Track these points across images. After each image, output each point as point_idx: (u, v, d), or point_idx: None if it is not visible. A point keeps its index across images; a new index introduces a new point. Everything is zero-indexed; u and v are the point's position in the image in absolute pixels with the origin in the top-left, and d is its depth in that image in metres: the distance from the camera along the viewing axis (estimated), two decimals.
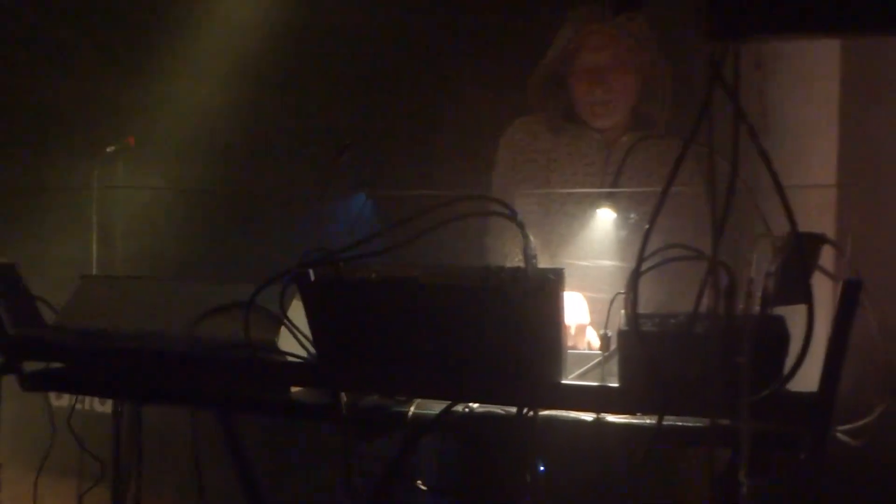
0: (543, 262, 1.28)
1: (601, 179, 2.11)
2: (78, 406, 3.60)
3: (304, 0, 3.36)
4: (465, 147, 2.26)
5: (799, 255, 1.03)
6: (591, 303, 1.84)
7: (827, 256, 1.32)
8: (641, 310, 1.24)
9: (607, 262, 1.92)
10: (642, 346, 1.16)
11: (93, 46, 3.82)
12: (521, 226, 1.23)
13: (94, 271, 2.90)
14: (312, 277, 1.32)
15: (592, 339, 1.82)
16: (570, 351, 1.43)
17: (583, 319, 1.82)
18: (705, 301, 1.12)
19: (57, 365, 1.75)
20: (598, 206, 2.01)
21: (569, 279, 1.27)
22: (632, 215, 1.97)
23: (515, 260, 1.97)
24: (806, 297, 1.00)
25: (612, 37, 2.04)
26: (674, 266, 1.23)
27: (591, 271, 1.93)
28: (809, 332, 1.00)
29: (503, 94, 2.19)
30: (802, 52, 1.78)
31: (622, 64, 2.05)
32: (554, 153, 2.15)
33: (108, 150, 3.00)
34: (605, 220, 1.99)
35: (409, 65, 3.29)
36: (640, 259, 1.07)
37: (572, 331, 1.79)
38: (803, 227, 1.21)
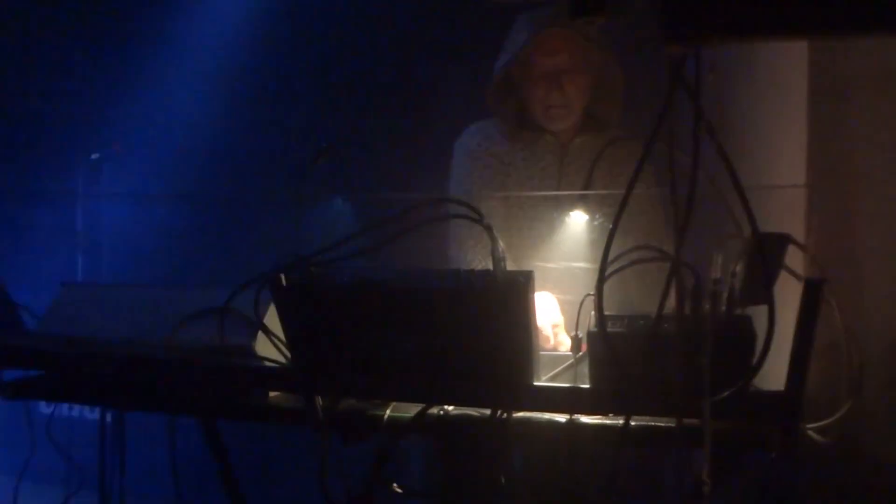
0: (508, 266, 1.29)
1: (557, 182, 2.12)
2: (72, 414, 3.60)
3: (285, 6, 3.37)
4: (444, 151, 2.26)
5: (761, 255, 1.04)
6: (562, 305, 1.85)
7: (799, 256, 1.33)
8: (616, 311, 1.25)
9: (577, 264, 1.93)
10: (610, 347, 1.17)
11: (77, 54, 3.83)
12: (489, 228, 1.24)
13: (80, 278, 2.91)
14: (284, 282, 1.32)
15: (566, 340, 1.83)
16: (543, 353, 1.44)
17: (556, 319, 1.82)
18: (673, 302, 1.14)
19: (37, 372, 1.75)
20: (562, 209, 2.02)
21: (539, 282, 1.28)
22: (597, 217, 1.98)
23: (476, 265, 1.98)
24: (767, 298, 1.01)
25: (567, 39, 2.04)
26: (646, 267, 1.24)
27: (561, 273, 1.94)
28: (771, 332, 1.01)
29: (481, 98, 2.18)
30: (770, 54, 1.79)
31: (577, 66, 2.05)
32: (509, 157, 2.15)
33: (93, 157, 3.01)
34: (574, 222, 2.00)
35: (387, 67, 3.31)
36: (605, 261, 1.08)
37: (547, 331, 1.80)
38: (773, 227, 1.22)
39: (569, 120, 2.13)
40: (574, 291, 1.31)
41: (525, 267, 1.92)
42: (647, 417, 1.26)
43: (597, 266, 1.10)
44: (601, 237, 1.96)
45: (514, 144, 2.16)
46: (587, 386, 1.27)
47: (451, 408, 1.39)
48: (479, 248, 1.94)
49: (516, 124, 2.18)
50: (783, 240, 1.19)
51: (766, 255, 1.06)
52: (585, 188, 1.98)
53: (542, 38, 2.05)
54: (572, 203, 2.04)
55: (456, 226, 2.00)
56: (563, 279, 1.97)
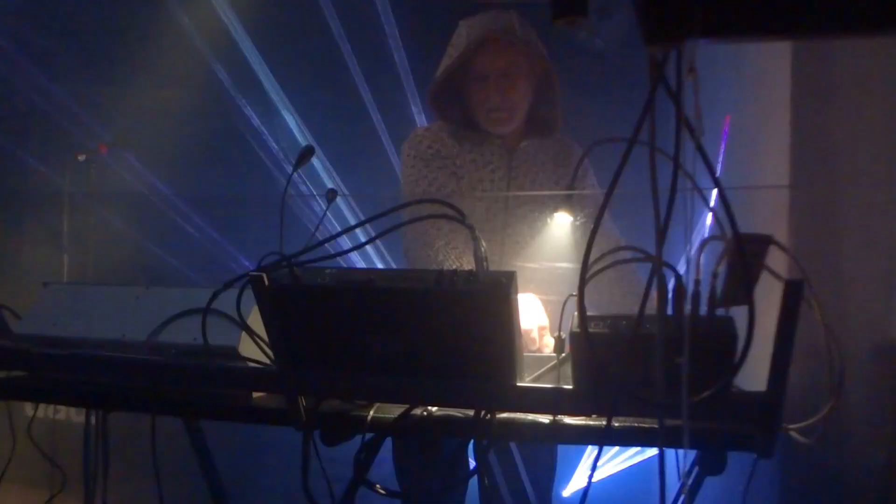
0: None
1: (507, 184, 2.13)
2: (57, 416, 3.58)
3: (272, 5, 3.37)
4: None
5: (741, 256, 1.04)
6: (546, 306, 1.86)
7: (782, 257, 1.33)
8: (603, 311, 1.25)
9: (561, 265, 1.94)
10: (592, 347, 1.17)
11: (64, 54, 3.81)
12: (471, 228, 1.24)
13: (65, 278, 2.89)
14: (267, 282, 1.32)
15: (551, 341, 1.83)
16: (527, 354, 1.44)
17: (541, 321, 1.83)
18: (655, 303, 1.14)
19: (19, 373, 1.74)
20: (555, 210, 2.02)
21: (523, 283, 1.27)
22: (580, 218, 1.99)
23: (448, 265, 1.97)
24: (747, 299, 1.00)
25: (508, 44, 2.06)
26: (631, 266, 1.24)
27: (545, 274, 1.94)
28: (750, 333, 1.01)
29: None
30: (754, 56, 1.80)
31: (517, 70, 2.08)
32: (460, 160, 2.15)
33: (80, 157, 3.00)
34: (555, 223, 2.02)
35: (377, 67, 3.31)
36: (586, 262, 1.07)
37: (534, 333, 1.80)
38: (757, 228, 1.22)
39: (511, 124, 2.15)
40: (563, 293, 1.30)
41: (511, 267, 1.93)
42: (630, 418, 1.26)
43: (568, 266, 1.10)
44: (575, 238, 1.97)
45: (462, 146, 2.16)
46: (570, 387, 1.27)
47: (434, 408, 1.39)
48: (450, 249, 1.93)
49: (461, 127, 2.18)
50: (764, 240, 1.19)
51: (747, 255, 1.06)
52: (571, 188, 1.99)
53: (484, 42, 2.07)
54: (521, 204, 2.07)
55: (420, 226, 1.97)
56: (553, 280, 1.97)
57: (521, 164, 2.15)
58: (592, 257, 1.06)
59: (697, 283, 1.16)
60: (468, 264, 1.89)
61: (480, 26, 2.08)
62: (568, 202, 1.97)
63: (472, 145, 2.16)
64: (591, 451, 3.29)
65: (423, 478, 1.44)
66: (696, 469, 1.30)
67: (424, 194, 2.08)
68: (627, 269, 1.78)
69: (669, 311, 1.15)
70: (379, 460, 1.48)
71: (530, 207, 2.09)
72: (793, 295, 1.08)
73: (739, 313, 1.17)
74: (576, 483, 3.50)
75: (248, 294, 1.40)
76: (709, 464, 1.28)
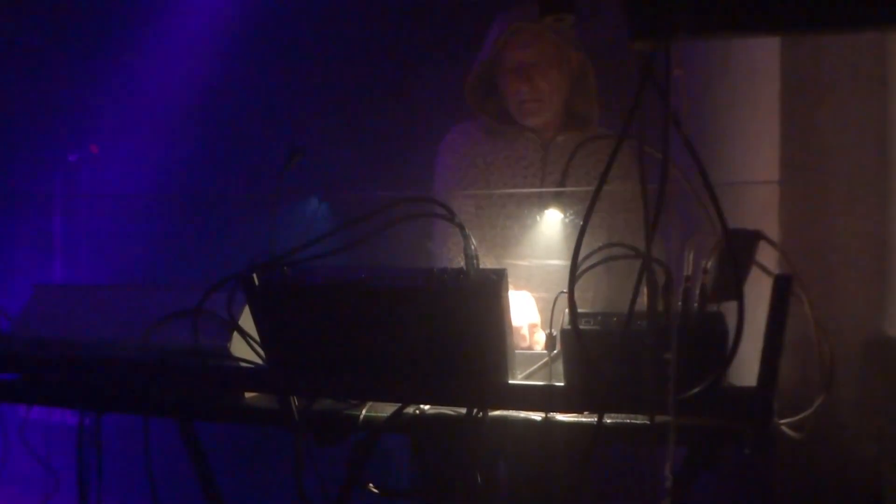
0: (488, 264, 1.29)
1: (540, 180, 2.13)
2: (51, 418, 3.56)
3: (263, 6, 3.37)
4: (424, 149, 2.26)
5: (730, 251, 1.04)
6: (540, 303, 1.86)
7: (772, 252, 1.34)
8: (595, 308, 1.26)
9: (554, 262, 1.94)
10: (582, 344, 1.17)
11: (55, 54, 3.80)
12: (461, 227, 1.24)
13: (57, 280, 2.88)
14: (257, 282, 1.32)
15: (542, 338, 1.83)
16: (519, 351, 1.44)
17: (533, 318, 1.83)
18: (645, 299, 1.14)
19: (10, 375, 1.73)
20: (544, 207, 2.02)
21: (519, 280, 1.28)
22: (569, 214, 1.99)
23: (458, 263, 1.97)
24: (737, 294, 1.01)
25: (537, 34, 2.06)
26: (623, 263, 1.24)
27: (539, 271, 1.94)
28: (740, 328, 1.01)
29: (460, 97, 2.19)
30: (743, 52, 1.80)
31: (547, 61, 2.07)
32: (491, 157, 2.16)
33: (71, 158, 3.00)
34: (552, 220, 2.01)
35: (365, 67, 3.31)
36: (576, 258, 1.07)
37: (524, 331, 1.80)
38: (746, 223, 1.22)
39: (542, 115, 2.14)
40: (554, 289, 1.30)
41: (505, 265, 1.93)
42: (621, 414, 1.27)
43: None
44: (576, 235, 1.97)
45: (496, 144, 2.17)
46: (561, 384, 1.27)
47: (426, 407, 1.39)
48: (460, 248, 1.94)
49: (497, 122, 2.18)
50: (754, 236, 1.19)
51: (736, 251, 1.06)
52: (562, 185, 1.99)
53: (513, 32, 2.08)
54: (554, 200, 2.05)
55: (438, 225, 2.00)
56: (543, 277, 1.97)
57: (556, 160, 2.14)
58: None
59: (687, 278, 1.17)
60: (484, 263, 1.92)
61: (510, 18, 2.10)
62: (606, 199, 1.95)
63: (506, 142, 2.17)
64: None
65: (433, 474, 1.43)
66: (687, 465, 1.30)
67: (453, 192, 2.11)
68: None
69: (660, 307, 1.15)
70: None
71: (565, 203, 2.05)
72: (782, 290, 1.08)
73: (730, 309, 1.17)
74: None
75: (240, 294, 1.40)
76: (700, 459, 1.28)
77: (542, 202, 2.08)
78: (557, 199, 1.99)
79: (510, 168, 2.15)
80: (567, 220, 2.00)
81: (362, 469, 1.47)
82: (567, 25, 2.03)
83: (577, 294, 1.13)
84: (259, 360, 1.46)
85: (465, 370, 1.31)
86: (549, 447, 1.32)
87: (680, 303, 1.17)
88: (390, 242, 1.32)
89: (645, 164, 1.06)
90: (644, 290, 1.10)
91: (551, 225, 2.01)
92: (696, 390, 1.07)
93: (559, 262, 1.94)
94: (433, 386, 1.33)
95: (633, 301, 1.08)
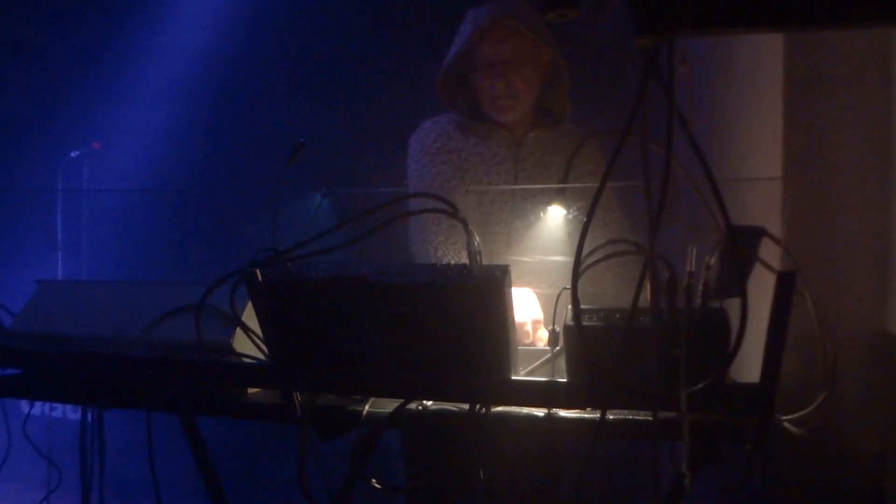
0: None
1: (513, 176, 2.13)
2: (54, 413, 3.57)
3: (262, 3, 3.37)
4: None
5: (733, 248, 1.04)
6: (542, 299, 1.86)
7: (776, 249, 1.34)
8: (598, 304, 1.26)
9: (553, 258, 1.94)
10: (585, 340, 1.17)
11: (57, 52, 3.80)
12: (463, 222, 1.24)
13: (59, 275, 2.89)
14: (260, 278, 1.32)
15: (545, 335, 1.83)
16: (522, 347, 1.44)
17: (536, 315, 1.83)
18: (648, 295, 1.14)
19: (13, 371, 1.73)
20: (548, 203, 2.02)
21: (517, 277, 1.27)
22: (572, 210, 1.99)
23: (451, 260, 1.97)
24: (740, 290, 1.01)
25: (513, 30, 2.05)
26: (625, 259, 1.24)
27: (539, 267, 1.94)
28: (743, 324, 1.01)
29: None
30: (746, 48, 1.80)
31: (522, 57, 2.06)
32: (465, 153, 2.15)
33: (73, 154, 3.00)
34: (532, 217, 2.02)
35: (365, 63, 3.30)
36: (579, 255, 1.07)
37: (528, 327, 1.80)
38: (749, 220, 1.22)
39: (516, 111, 2.13)
40: (552, 285, 1.31)
41: (504, 261, 1.93)
42: (624, 410, 1.27)
43: (563, 259, 1.10)
44: (570, 230, 1.98)
45: (468, 139, 2.16)
46: (564, 380, 1.27)
47: (429, 403, 1.39)
48: (449, 245, 1.93)
49: (469, 118, 2.18)
50: (757, 232, 1.19)
51: (739, 247, 1.06)
52: (564, 182, 1.99)
53: (488, 28, 2.06)
54: (529, 197, 2.06)
55: (420, 222, 1.98)
56: (547, 273, 1.97)
57: (528, 156, 2.15)
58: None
59: (690, 275, 1.17)
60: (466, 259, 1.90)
61: (486, 13, 2.09)
62: (562, 195, 1.97)
63: (479, 138, 2.16)
64: None
65: (432, 470, 1.44)
66: (689, 460, 1.30)
67: (428, 188, 2.08)
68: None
69: (663, 303, 1.15)
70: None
71: (538, 199, 2.07)
72: (785, 286, 1.09)
73: (732, 305, 1.17)
74: None
75: (243, 289, 1.40)
76: (703, 455, 1.28)
77: (518, 198, 2.08)
78: (531, 196, 1.99)
79: (484, 164, 2.14)
80: (570, 216, 2.01)
81: (364, 464, 1.48)
82: (537, 18, 2.03)
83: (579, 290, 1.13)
84: (262, 356, 1.46)
85: (467, 366, 1.31)
86: (552, 443, 1.32)
87: (683, 299, 1.17)
88: (393, 238, 1.32)
89: (648, 161, 1.05)
90: (647, 286, 1.10)
91: (534, 222, 2.02)
92: (699, 386, 1.07)
93: (559, 258, 1.94)
94: (436, 382, 1.33)
95: (637, 297, 1.08)
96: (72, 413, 3.72)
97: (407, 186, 2.16)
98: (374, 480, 1.44)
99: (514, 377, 1.31)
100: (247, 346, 1.49)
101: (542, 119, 2.19)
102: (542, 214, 2.04)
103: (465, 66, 2.14)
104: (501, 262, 1.38)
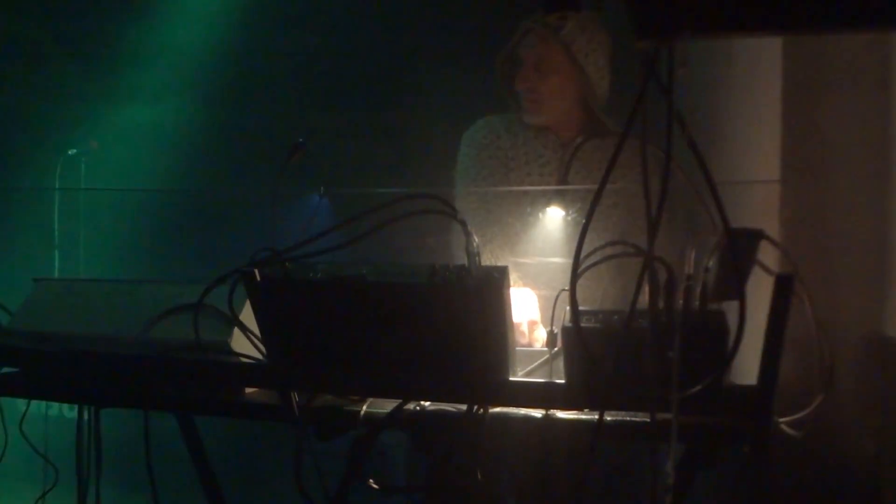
0: (497, 260, 1.28)
1: (557, 180, 2.15)
2: (50, 412, 3.57)
3: (262, 2, 3.37)
4: (426, 146, 2.27)
5: (732, 250, 1.04)
6: (544, 301, 1.86)
7: (774, 251, 1.34)
8: (597, 306, 1.26)
9: (559, 260, 1.95)
10: (584, 342, 1.17)
11: (54, 50, 3.80)
12: (462, 223, 1.24)
13: (56, 274, 2.88)
14: (258, 277, 1.32)
15: (543, 336, 1.83)
16: (520, 348, 1.44)
17: (533, 316, 1.83)
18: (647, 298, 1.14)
19: (10, 369, 1.73)
20: (559, 205, 2.05)
21: (525, 277, 1.27)
22: (570, 213, 2.00)
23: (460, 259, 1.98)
24: (738, 293, 1.01)
25: (542, 37, 2.09)
26: (627, 261, 1.24)
27: (545, 268, 1.95)
28: (741, 327, 1.02)
29: (463, 95, 2.20)
30: (745, 51, 1.80)
31: (549, 64, 2.10)
32: (512, 152, 2.19)
33: (70, 152, 2.99)
34: (556, 217, 2.02)
35: (367, 63, 3.31)
36: (578, 256, 1.08)
37: (524, 327, 1.80)
38: (748, 222, 1.22)
39: (541, 115, 2.17)
40: (557, 287, 1.31)
41: (510, 262, 1.93)
42: (622, 412, 1.27)
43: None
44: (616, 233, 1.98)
45: (517, 138, 2.21)
46: (562, 381, 1.28)
47: (427, 403, 1.39)
48: (487, 247, 1.98)
49: (522, 120, 2.22)
50: (756, 235, 1.19)
51: (738, 250, 1.06)
52: (564, 182, 2.00)
53: (524, 32, 2.12)
54: (569, 199, 2.08)
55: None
56: (550, 274, 1.97)
57: (576, 162, 2.16)
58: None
59: (689, 277, 1.17)
60: (494, 259, 1.98)
61: (531, 19, 2.13)
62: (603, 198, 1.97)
63: (527, 138, 2.20)
64: None
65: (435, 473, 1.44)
66: (687, 463, 1.31)
67: (473, 184, 2.14)
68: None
69: (661, 305, 1.15)
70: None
71: (582, 206, 2.09)
72: (783, 289, 1.09)
73: (731, 307, 1.17)
74: None
75: (241, 289, 1.40)
76: (700, 458, 1.28)
77: (562, 201, 2.11)
78: (565, 198, 2.01)
79: (528, 165, 2.18)
80: (570, 219, 2.01)
81: (362, 464, 1.48)
82: (572, 31, 2.04)
83: (584, 292, 1.13)
84: (260, 356, 1.46)
85: (465, 367, 1.31)
86: (550, 444, 1.32)
87: (681, 301, 1.18)
88: (392, 239, 1.32)
89: (648, 163, 1.06)
90: (646, 288, 1.10)
91: (557, 222, 2.02)
92: (697, 388, 1.07)
93: (562, 260, 1.95)
94: (434, 382, 1.33)
95: (635, 299, 1.08)
96: (69, 411, 3.72)
97: (453, 178, 2.23)
98: (371, 481, 1.44)
99: (512, 378, 1.31)
100: (244, 346, 1.49)
101: (595, 127, 2.20)
102: (579, 217, 2.04)
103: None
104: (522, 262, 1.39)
